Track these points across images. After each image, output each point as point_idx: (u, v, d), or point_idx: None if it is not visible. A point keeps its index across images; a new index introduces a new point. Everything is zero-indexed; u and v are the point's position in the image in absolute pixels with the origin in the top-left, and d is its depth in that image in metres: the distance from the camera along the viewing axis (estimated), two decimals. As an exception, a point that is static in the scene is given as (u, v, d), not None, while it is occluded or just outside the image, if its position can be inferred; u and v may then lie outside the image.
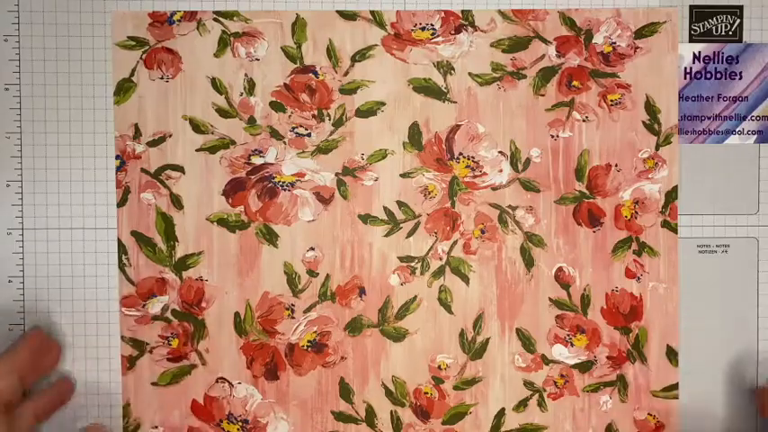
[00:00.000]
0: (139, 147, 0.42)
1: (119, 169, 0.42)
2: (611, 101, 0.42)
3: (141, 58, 0.41)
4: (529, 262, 0.42)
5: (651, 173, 0.42)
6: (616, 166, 0.42)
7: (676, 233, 0.42)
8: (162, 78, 0.42)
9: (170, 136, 0.42)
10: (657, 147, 0.42)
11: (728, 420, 0.42)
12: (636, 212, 0.42)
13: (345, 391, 0.42)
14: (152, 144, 0.42)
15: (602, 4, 0.42)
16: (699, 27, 0.43)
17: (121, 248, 0.42)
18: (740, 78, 0.44)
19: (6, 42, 0.41)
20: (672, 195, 0.42)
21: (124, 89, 0.42)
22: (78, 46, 0.42)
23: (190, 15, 0.41)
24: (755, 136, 0.44)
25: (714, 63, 0.43)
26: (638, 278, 0.42)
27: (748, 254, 0.44)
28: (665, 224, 0.42)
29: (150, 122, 0.42)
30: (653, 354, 0.41)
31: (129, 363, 0.42)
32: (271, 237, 0.42)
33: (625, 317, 0.42)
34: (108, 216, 0.42)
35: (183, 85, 0.42)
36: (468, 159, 0.43)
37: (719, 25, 0.43)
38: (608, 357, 0.42)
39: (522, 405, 0.41)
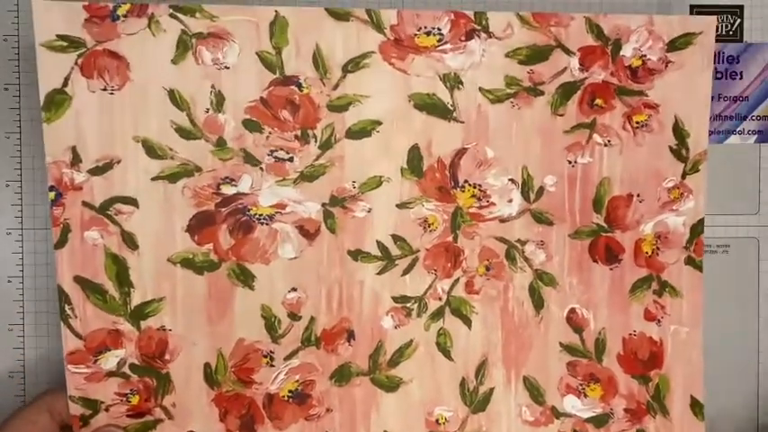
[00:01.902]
0: (79, 175, 0.35)
1: (54, 203, 0.35)
2: (637, 122, 0.38)
3: (77, 63, 0.35)
4: (538, 303, 0.39)
5: (676, 204, 0.39)
6: (638, 196, 0.39)
7: (701, 271, 0.39)
8: (105, 90, 0.35)
9: (118, 162, 0.36)
10: (684, 175, 0.39)
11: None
12: (658, 248, 0.39)
13: None
14: (95, 172, 0.36)
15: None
16: (700, 27, 0.42)
17: (63, 297, 0.35)
18: (741, 78, 0.44)
19: (6, 42, 0.41)
20: (698, 229, 0.39)
21: (56, 103, 0.35)
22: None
23: (139, 9, 0.34)
24: (756, 136, 0.45)
25: (715, 63, 0.44)
26: (659, 321, 0.39)
27: (749, 254, 0.44)
28: (690, 261, 0.39)
29: (92, 145, 0.36)
30: (676, 406, 0.41)
31: (83, 421, 0.38)
32: (246, 278, 0.38)
33: (644, 364, 0.40)
34: None
35: (132, 98, 0.36)
36: (475, 188, 0.38)
37: (720, 25, 0.44)
38: (626, 410, 0.40)
39: (530, 467, 0.39)
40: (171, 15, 0.35)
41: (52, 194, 0.36)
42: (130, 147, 0.36)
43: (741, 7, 0.43)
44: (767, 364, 0.44)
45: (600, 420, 0.41)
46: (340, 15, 0.36)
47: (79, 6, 0.34)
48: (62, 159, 0.36)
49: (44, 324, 0.42)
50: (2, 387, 0.42)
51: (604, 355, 0.40)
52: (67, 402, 0.38)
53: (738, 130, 0.44)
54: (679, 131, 0.40)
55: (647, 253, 0.40)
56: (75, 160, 0.36)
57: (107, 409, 0.38)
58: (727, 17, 0.43)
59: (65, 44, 0.35)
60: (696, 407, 0.40)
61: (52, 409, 0.38)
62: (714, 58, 0.42)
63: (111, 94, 0.35)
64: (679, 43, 0.39)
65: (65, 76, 0.35)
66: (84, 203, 0.36)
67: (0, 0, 0.41)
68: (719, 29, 0.43)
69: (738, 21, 0.43)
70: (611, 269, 0.40)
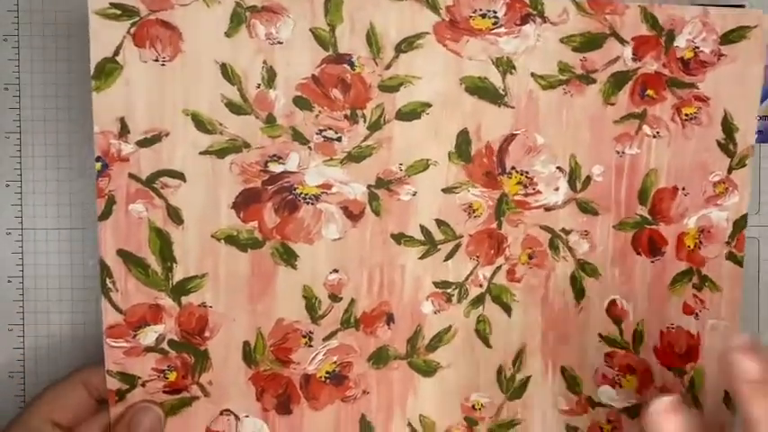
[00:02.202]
0: (127, 146, 0.35)
1: (100, 174, 0.34)
2: (686, 115, 0.38)
3: (129, 32, 0.34)
4: (579, 293, 0.39)
5: (721, 198, 0.39)
6: (683, 189, 0.39)
7: (741, 266, 0.39)
8: (157, 61, 0.34)
9: (167, 135, 0.35)
10: (730, 170, 0.39)
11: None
12: (700, 242, 0.39)
13: (367, 430, 0.41)
14: (143, 144, 0.35)
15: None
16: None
17: (105, 270, 0.35)
18: None
19: (6, 42, 0.42)
20: (740, 224, 0.39)
21: (106, 72, 0.34)
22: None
23: None
24: (756, 136, 0.44)
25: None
26: (697, 315, 0.39)
27: (749, 254, 0.44)
28: (731, 256, 0.39)
29: (141, 116, 0.35)
30: (709, 399, 0.41)
31: (119, 396, 0.38)
32: (289, 257, 0.38)
33: (680, 357, 0.41)
34: None
35: (184, 70, 0.36)
36: (522, 175, 0.38)
37: None
38: None
39: (566, 454, 0.39)
40: (226, -13, 0.35)
41: (98, 165, 0.35)
42: (180, 120, 0.36)
43: (742, 7, 0.42)
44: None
45: (634, 411, 0.41)
46: (396, -6, 0.36)
47: (134, -26, 0.34)
48: (110, 130, 0.35)
49: (44, 324, 0.43)
50: (2, 387, 0.42)
51: (642, 346, 0.41)
52: (104, 377, 0.38)
53: (739, 130, 0.44)
54: (728, 125, 0.40)
55: (689, 247, 0.40)
56: (123, 131, 0.35)
57: (144, 385, 0.38)
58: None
59: (118, 12, 0.34)
60: (729, 400, 0.40)
61: (88, 384, 0.38)
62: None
63: (163, 65, 0.35)
64: (733, 36, 0.39)
65: (117, 45, 0.34)
66: (131, 175, 0.36)
67: (0, 0, 0.42)
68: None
69: None
70: (652, 262, 0.40)
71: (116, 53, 0.34)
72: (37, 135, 0.42)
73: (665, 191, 0.40)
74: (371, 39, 0.37)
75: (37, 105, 0.42)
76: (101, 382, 0.38)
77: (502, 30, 0.37)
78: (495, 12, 0.37)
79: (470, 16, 0.37)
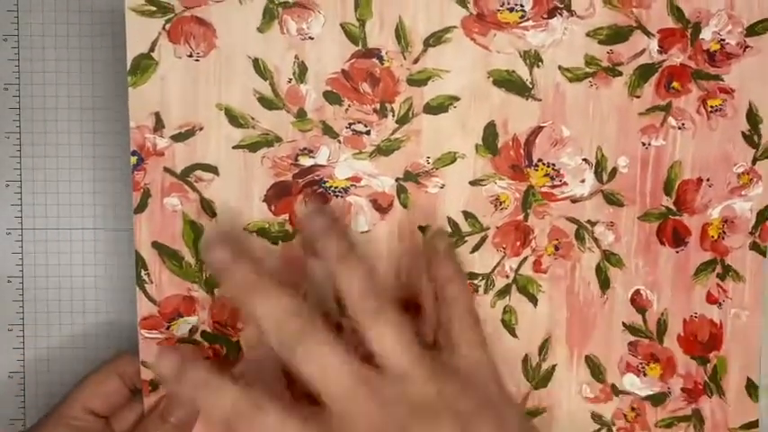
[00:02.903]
0: (162, 141, 0.36)
1: (136, 168, 0.36)
2: (712, 107, 0.39)
3: (164, 28, 0.35)
4: (604, 283, 0.40)
5: (744, 189, 0.40)
6: (708, 180, 0.40)
7: (765, 256, 0.40)
8: (191, 56, 0.35)
9: (201, 129, 0.36)
10: (755, 161, 0.39)
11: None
12: (724, 232, 0.40)
13: None
14: (178, 138, 0.36)
15: None
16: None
17: (140, 262, 0.36)
18: None
19: (6, 42, 0.42)
20: (765, 214, 0.40)
21: (142, 68, 0.35)
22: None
23: None
24: None
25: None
26: (720, 304, 0.40)
27: None
28: (754, 246, 0.40)
29: (176, 111, 0.36)
30: (732, 387, 0.42)
31: (152, 386, 0.40)
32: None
33: (703, 346, 0.42)
34: (115, 217, 0.43)
35: (217, 66, 0.36)
36: (548, 167, 0.39)
37: None
38: (683, 389, 0.41)
39: (590, 441, 0.40)
40: (258, -17, 0.36)
41: (134, 159, 0.36)
42: (213, 114, 0.37)
43: None
44: None
45: (657, 399, 0.42)
46: (425, -11, 0.37)
47: (169, -29, 0.35)
48: (145, 124, 0.36)
49: (44, 324, 0.44)
50: (2, 387, 0.43)
51: (665, 335, 0.42)
52: (138, 367, 0.39)
53: (740, 130, 0.45)
54: (752, 117, 0.40)
55: (712, 237, 0.41)
56: (158, 126, 0.36)
57: (177, 374, 0.39)
58: None
59: (153, 9, 0.35)
60: (751, 388, 0.42)
61: (123, 374, 0.40)
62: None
63: (197, 60, 0.36)
64: (758, 28, 0.40)
65: (152, 41, 0.35)
66: (166, 169, 0.37)
67: (0, 0, 0.42)
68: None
69: None
70: (676, 252, 0.41)
71: (151, 49, 0.36)
72: (37, 135, 0.43)
73: (690, 182, 0.41)
74: (400, 33, 0.38)
75: (37, 104, 0.43)
76: (135, 372, 0.39)
77: (529, 23, 0.38)
78: (522, 5, 0.38)
79: (498, 10, 0.38)
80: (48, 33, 0.42)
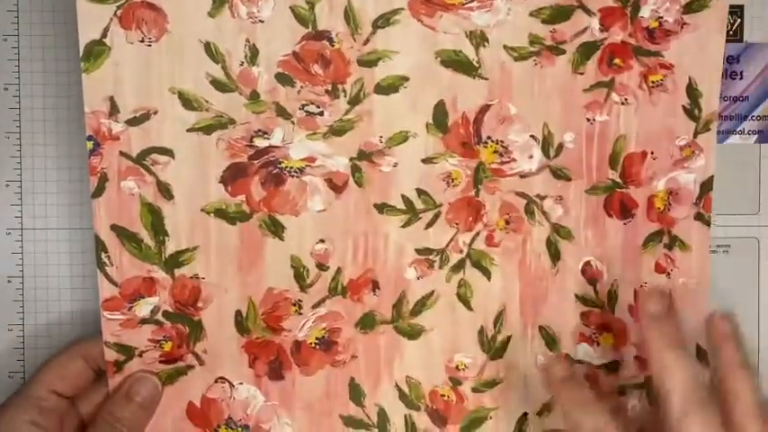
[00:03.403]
0: (117, 125, 0.37)
1: (92, 153, 0.37)
2: (653, 82, 0.41)
3: (116, 14, 0.37)
4: (555, 255, 0.42)
5: (687, 162, 0.42)
6: (652, 153, 0.42)
7: (709, 226, 0.42)
8: (143, 42, 0.37)
9: (155, 113, 0.37)
10: (696, 134, 0.41)
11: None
12: (669, 204, 0.42)
13: (356, 393, 0.43)
14: (133, 123, 0.38)
15: None
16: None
17: (100, 245, 0.37)
18: (741, 78, 0.47)
19: (6, 42, 0.43)
20: (707, 186, 0.42)
21: (95, 54, 0.37)
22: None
23: None
24: (756, 136, 0.47)
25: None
26: (668, 274, 0.42)
27: (749, 254, 0.47)
28: (699, 217, 0.42)
29: (130, 96, 0.37)
30: None
31: (117, 367, 0.41)
32: (276, 229, 0.40)
33: None
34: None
35: (169, 50, 0.38)
36: (497, 144, 0.40)
37: None
38: (636, 357, 0.42)
39: (546, 410, 0.42)
40: (208, -31, 0.37)
41: (90, 144, 0.38)
42: (167, 98, 0.38)
43: (741, 7, 0.45)
44: None
45: (611, 367, 0.44)
46: (372, -28, 0.38)
47: (118, -42, 0.36)
48: (100, 110, 0.37)
49: (44, 324, 0.44)
50: (2, 387, 0.44)
51: (616, 305, 0.44)
52: (102, 349, 0.40)
53: (738, 130, 0.46)
54: (692, 92, 0.42)
55: (658, 208, 0.43)
56: (114, 111, 0.38)
57: (140, 355, 0.41)
58: (727, 17, 0.44)
59: (104, -5, 0.36)
60: (701, 355, 0.44)
61: (87, 356, 0.41)
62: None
63: (149, 45, 0.37)
64: (694, 6, 0.42)
65: (104, 27, 0.37)
66: (122, 153, 0.38)
67: (0, 0, 0.43)
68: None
69: (738, 21, 0.45)
70: (624, 224, 0.43)
71: (103, 35, 0.37)
72: (37, 135, 0.43)
73: (635, 155, 0.43)
74: (349, 15, 0.39)
75: (37, 105, 0.43)
76: (99, 353, 0.41)
77: (474, 4, 0.40)
78: (467, -13, 0.40)
79: (444, -8, 0.40)
80: (48, 33, 0.43)
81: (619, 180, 0.43)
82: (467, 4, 0.40)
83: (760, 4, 0.43)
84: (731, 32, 0.45)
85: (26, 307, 0.44)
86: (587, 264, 0.44)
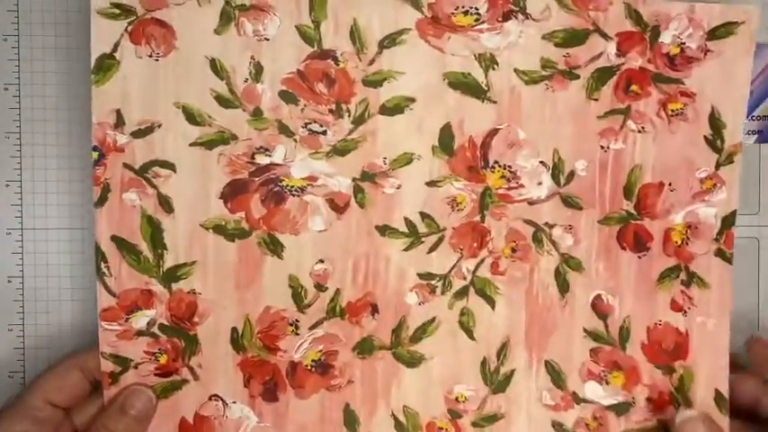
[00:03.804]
0: (122, 137, 0.38)
1: (97, 163, 0.38)
2: (672, 110, 0.40)
3: (126, 30, 0.38)
4: (563, 287, 0.41)
5: (708, 195, 0.40)
6: (670, 185, 0.40)
7: (731, 264, 0.40)
8: (151, 56, 0.38)
9: (159, 126, 0.38)
10: (718, 166, 0.40)
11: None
12: (687, 238, 0.40)
13: (351, 420, 0.43)
14: (138, 135, 0.39)
15: None
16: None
17: (100, 255, 0.38)
18: None
19: (6, 42, 0.43)
20: (729, 221, 0.40)
21: (105, 67, 0.38)
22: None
23: None
24: (756, 136, 0.46)
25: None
26: (685, 312, 0.40)
27: (749, 254, 0.46)
28: (719, 253, 0.40)
29: (136, 109, 0.39)
30: (699, 398, 0.41)
31: (112, 378, 0.41)
32: (275, 247, 0.41)
33: (668, 354, 0.41)
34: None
35: (176, 66, 0.39)
36: (505, 169, 0.40)
37: None
38: (648, 399, 0.42)
39: (548, 450, 0.40)
40: (216, -13, 0.38)
41: (95, 154, 0.39)
42: (171, 112, 0.39)
43: None
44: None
45: (621, 408, 0.42)
46: (379, -8, 0.39)
47: (131, -25, 0.37)
48: (106, 121, 0.39)
49: (44, 324, 0.44)
50: (2, 387, 0.44)
51: (628, 343, 0.42)
52: (98, 360, 0.40)
53: (738, 130, 0.46)
54: (715, 122, 0.41)
55: (676, 242, 0.41)
56: (119, 123, 0.39)
57: (136, 367, 0.41)
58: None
59: (117, 11, 0.38)
60: (720, 401, 0.41)
61: (84, 367, 0.41)
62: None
63: (157, 60, 0.38)
64: (719, 32, 0.40)
65: (115, 42, 0.38)
66: (125, 165, 0.39)
67: (0, 0, 0.43)
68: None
69: None
70: (638, 257, 0.42)
71: (114, 49, 0.38)
72: (37, 135, 0.44)
73: (651, 186, 0.41)
74: (355, 35, 0.39)
75: (37, 105, 0.44)
76: (95, 365, 0.41)
77: (484, 26, 0.40)
78: (477, 8, 0.39)
79: (452, 13, 0.39)
80: (48, 33, 0.43)
81: (633, 211, 0.42)
82: (476, 25, 0.40)
83: (760, 5, 0.41)
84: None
85: (26, 307, 0.44)
86: (598, 297, 0.42)
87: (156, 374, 0.41)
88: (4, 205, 0.44)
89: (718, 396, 0.42)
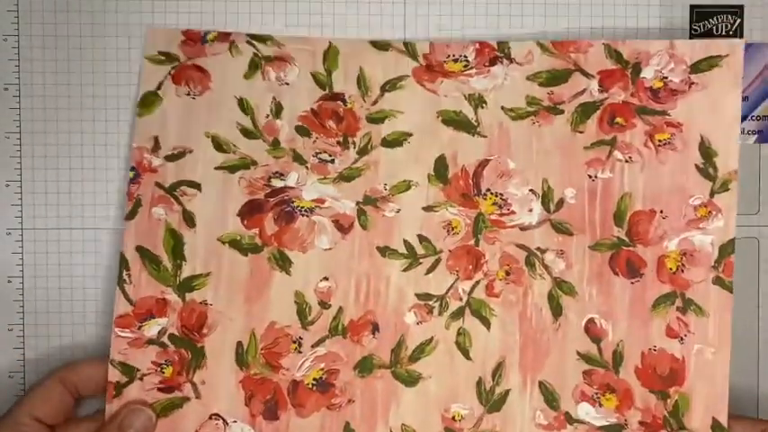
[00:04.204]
0: (157, 160, 0.44)
1: (132, 181, 0.43)
2: (660, 141, 0.42)
3: (170, 73, 0.45)
4: (557, 310, 0.42)
5: (703, 222, 0.41)
6: (661, 212, 0.42)
7: (731, 292, 0.40)
8: (189, 95, 0.44)
9: (191, 152, 0.44)
10: (713, 194, 0.41)
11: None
12: (683, 265, 0.41)
13: None
14: (171, 158, 0.44)
15: (602, 26, 0.45)
16: (699, 27, 0.46)
17: (124, 263, 0.42)
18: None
19: (6, 42, 0.45)
20: (727, 249, 0.41)
21: (148, 102, 0.45)
22: (90, 47, 0.46)
23: (223, 36, 0.44)
24: (756, 136, 0.47)
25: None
26: (682, 339, 0.40)
27: (749, 254, 0.46)
28: (718, 281, 0.40)
29: (171, 137, 0.45)
30: (695, 425, 0.41)
31: (116, 390, 0.43)
32: (284, 263, 0.44)
33: (663, 380, 0.41)
34: (115, 217, 0.46)
35: (209, 103, 0.46)
36: (496, 196, 0.43)
37: (720, 25, 0.46)
38: (641, 423, 0.41)
39: (541, 468, 0.39)
40: (247, 42, 0.46)
41: (132, 173, 0.45)
42: (202, 140, 0.45)
43: (741, 7, 0.46)
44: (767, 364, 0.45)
45: (613, 430, 0.41)
46: (381, 46, 0.46)
47: (179, 32, 0.46)
48: (145, 146, 0.45)
49: (44, 324, 0.45)
50: (2, 387, 0.45)
51: (621, 366, 0.41)
52: (80, 374, 0.42)
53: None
54: (705, 150, 0.43)
55: (671, 269, 0.42)
56: (156, 147, 0.45)
57: (141, 379, 0.44)
58: (727, 17, 0.46)
59: (163, 58, 0.46)
60: (717, 429, 0.39)
61: (65, 380, 0.42)
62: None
63: (193, 98, 0.46)
64: (702, 65, 0.44)
65: (159, 81, 0.46)
66: (157, 183, 0.45)
67: (0, 0, 0.44)
68: (719, 29, 0.46)
69: (738, 21, 0.46)
70: (632, 283, 0.42)
71: (158, 87, 0.46)
72: (37, 135, 0.44)
73: (642, 213, 0.43)
74: (361, 81, 0.46)
75: (37, 105, 0.45)
76: (78, 379, 0.42)
77: (473, 71, 0.45)
78: (466, 56, 0.45)
79: (444, 61, 0.45)
80: (48, 33, 0.44)
81: (625, 238, 0.43)
82: (466, 71, 0.45)
83: (760, 5, 0.43)
84: (731, 32, 0.46)
85: (26, 307, 0.45)
86: (591, 321, 0.42)
87: (159, 389, 0.43)
88: (4, 205, 0.44)
89: (715, 425, 0.40)
